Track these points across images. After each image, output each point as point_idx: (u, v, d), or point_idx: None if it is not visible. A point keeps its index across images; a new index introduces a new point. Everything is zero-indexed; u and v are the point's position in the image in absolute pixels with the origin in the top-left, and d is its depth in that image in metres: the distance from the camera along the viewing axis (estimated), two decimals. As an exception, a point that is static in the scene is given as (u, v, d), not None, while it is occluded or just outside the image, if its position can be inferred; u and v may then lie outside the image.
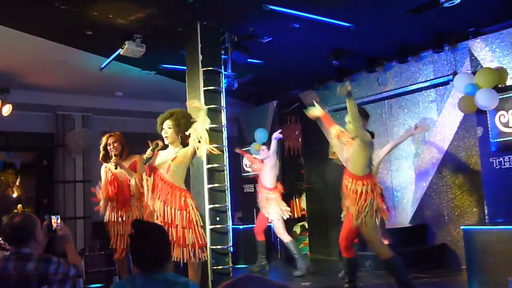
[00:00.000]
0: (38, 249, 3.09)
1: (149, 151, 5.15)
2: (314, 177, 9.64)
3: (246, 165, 10.54)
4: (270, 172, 7.80)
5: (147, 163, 5.16)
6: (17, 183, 12.49)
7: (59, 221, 3.28)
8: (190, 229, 5.03)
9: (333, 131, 5.61)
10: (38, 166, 10.62)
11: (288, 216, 7.68)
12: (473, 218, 7.17)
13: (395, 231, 7.75)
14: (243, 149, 9.00)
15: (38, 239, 3.09)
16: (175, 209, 5.05)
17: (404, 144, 6.98)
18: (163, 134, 5.30)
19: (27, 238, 3.03)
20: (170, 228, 4.96)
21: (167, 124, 5.27)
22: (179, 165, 5.19)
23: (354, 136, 5.25)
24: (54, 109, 9.60)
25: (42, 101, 9.14)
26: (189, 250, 4.99)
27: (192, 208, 5.12)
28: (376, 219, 5.16)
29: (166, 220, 5.03)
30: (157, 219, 5.12)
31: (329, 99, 9.14)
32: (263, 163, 7.98)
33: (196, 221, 5.10)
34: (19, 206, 11.85)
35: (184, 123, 5.25)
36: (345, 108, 5.25)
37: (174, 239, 4.93)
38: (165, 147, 5.43)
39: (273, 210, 7.66)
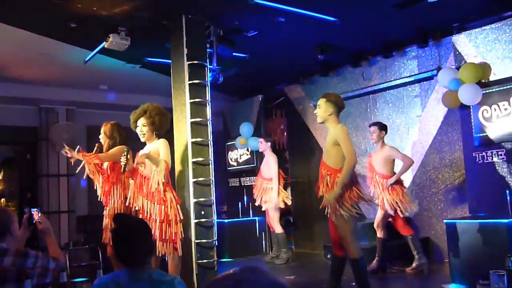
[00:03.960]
0: (16, 243, 3.06)
1: (123, 159, 5.13)
2: (299, 171, 9.66)
3: (231, 159, 10.55)
4: (270, 167, 8.06)
5: (126, 169, 5.15)
6: (0, 177, 12.35)
7: (39, 214, 3.25)
8: (168, 224, 5.06)
9: None
10: (21, 160, 10.53)
11: (283, 206, 7.92)
12: (456, 212, 7.24)
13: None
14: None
15: (14, 234, 3.06)
16: (154, 204, 5.08)
17: (387, 138, 7.01)
18: (139, 132, 5.32)
19: (3, 233, 3.00)
20: (150, 223, 4.98)
21: (142, 122, 5.28)
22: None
23: (322, 121, 5.23)
24: (37, 102, 9.51)
25: (25, 94, 9.05)
26: (167, 244, 5.03)
27: (171, 201, 5.14)
28: (352, 215, 4.99)
29: (146, 215, 5.07)
30: (139, 213, 5.16)
31: (314, 93, 9.15)
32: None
33: (175, 215, 5.14)
34: (2, 200, 11.71)
35: (158, 119, 5.28)
36: None
37: (154, 234, 4.94)
38: (143, 145, 5.45)
39: (272, 199, 7.88)
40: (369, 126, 7.01)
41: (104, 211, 5.81)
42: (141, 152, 5.39)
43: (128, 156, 5.14)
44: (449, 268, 5.94)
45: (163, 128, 5.42)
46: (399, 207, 6.55)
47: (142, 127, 5.29)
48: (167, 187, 5.19)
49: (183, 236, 5.25)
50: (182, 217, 5.25)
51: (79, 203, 9.73)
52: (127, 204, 5.45)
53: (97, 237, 6.21)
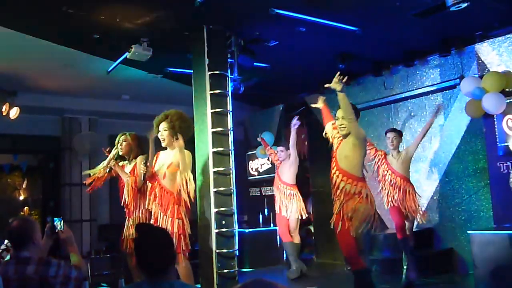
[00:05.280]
0: (38, 252, 3.08)
1: (142, 167, 5.24)
2: (320, 181, 9.61)
3: (252, 169, 10.54)
4: (290, 168, 7.85)
5: (145, 177, 5.24)
6: (23, 186, 12.54)
7: (61, 223, 3.28)
8: (180, 236, 5.11)
9: (328, 127, 5.49)
10: (44, 169, 10.66)
11: (305, 216, 7.74)
12: (480, 222, 7.12)
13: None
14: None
15: (37, 243, 3.08)
16: (167, 215, 5.13)
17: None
18: (160, 136, 5.36)
19: (26, 242, 3.03)
20: None
21: (163, 126, 5.34)
22: (174, 173, 5.24)
23: (346, 133, 5.00)
24: (61, 112, 9.63)
25: (49, 104, 9.17)
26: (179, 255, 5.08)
27: (184, 216, 5.21)
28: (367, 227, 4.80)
29: (158, 224, 5.10)
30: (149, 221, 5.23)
31: (335, 102, 9.05)
32: (281, 163, 8.01)
33: (185, 230, 5.20)
34: (26, 208, 11.90)
35: (179, 124, 5.31)
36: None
37: None
38: (163, 148, 5.48)
39: (295, 207, 7.68)
40: (387, 133, 6.76)
41: (126, 222, 5.84)
42: (162, 158, 5.41)
43: (147, 163, 5.26)
44: (474, 280, 5.84)
45: (184, 134, 5.33)
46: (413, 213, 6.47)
47: (162, 132, 5.35)
48: (181, 201, 5.24)
49: (189, 248, 5.27)
50: (189, 231, 5.30)
51: (100, 212, 9.81)
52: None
53: (119, 246, 6.25)
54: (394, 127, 8.15)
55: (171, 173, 5.24)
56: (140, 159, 5.66)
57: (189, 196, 5.25)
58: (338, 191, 4.96)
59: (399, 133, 6.76)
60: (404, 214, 6.48)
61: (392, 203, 6.48)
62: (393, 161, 6.61)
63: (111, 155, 5.96)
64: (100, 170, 6.08)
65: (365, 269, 4.81)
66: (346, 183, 4.91)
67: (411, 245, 6.54)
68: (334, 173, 5.05)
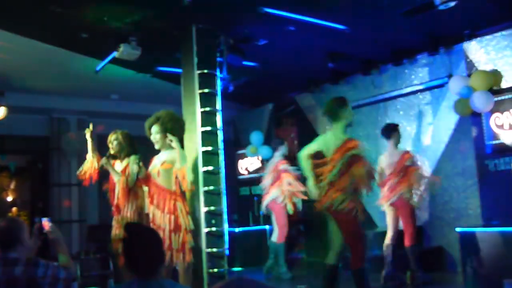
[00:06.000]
0: (26, 253, 3.06)
1: (135, 167, 5.21)
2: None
3: (241, 168, 10.54)
4: None
5: (139, 176, 5.23)
6: (12, 186, 12.43)
7: (50, 224, 3.26)
8: (177, 233, 5.05)
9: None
10: (33, 169, 10.59)
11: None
12: (469, 220, 7.16)
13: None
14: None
15: (24, 243, 3.06)
16: (164, 213, 5.09)
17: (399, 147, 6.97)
18: (152, 139, 5.33)
19: (13, 242, 3.01)
20: (159, 232, 4.98)
21: (155, 129, 5.29)
22: (168, 170, 5.21)
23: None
24: (49, 112, 9.57)
25: (37, 104, 9.12)
26: (174, 253, 5.02)
27: (181, 211, 5.14)
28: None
29: (156, 223, 5.08)
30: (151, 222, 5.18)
31: (324, 101, 9.12)
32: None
33: (185, 225, 5.14)
34: (14, 209, 11.81)
35: (171, 126, 5.28)
36: None
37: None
38: (158, 151, 5.45)
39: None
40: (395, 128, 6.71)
41: (114, 222, 5.80)
42: (155, 160, 5.40)
43: (140, 163, 5.22)
44: (463, 278, 5.88)
45: (176, 135, 5.32)
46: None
47: (155, 134, 5.31)
48: (177, 197, 5.19)
49: (191, 245, 5.24)
50: (192, 227, 5.25)
51: (90, 212, 9.76)
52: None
53: (108, 247, 6.21)
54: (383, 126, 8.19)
55: (165, 170, 5.21)
56: (133, 159, 5.62)
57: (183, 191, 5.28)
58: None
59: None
60: (415, 219, 6.30)
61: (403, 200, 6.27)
62: (393, 159, 6.50)
63: (89, 145, 5.98)
64: (89, 163, 6.08)
65: (365, 268, 4.81)
66: None
67: (418, 251, 6.39)
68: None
